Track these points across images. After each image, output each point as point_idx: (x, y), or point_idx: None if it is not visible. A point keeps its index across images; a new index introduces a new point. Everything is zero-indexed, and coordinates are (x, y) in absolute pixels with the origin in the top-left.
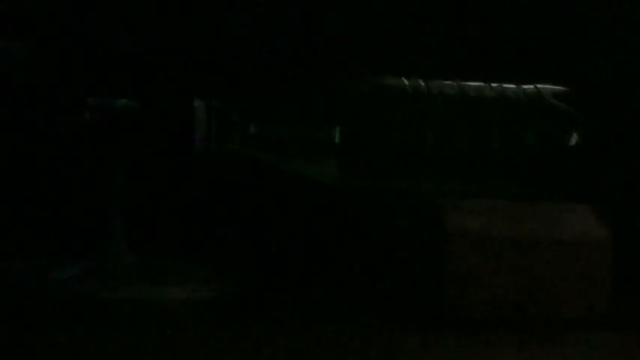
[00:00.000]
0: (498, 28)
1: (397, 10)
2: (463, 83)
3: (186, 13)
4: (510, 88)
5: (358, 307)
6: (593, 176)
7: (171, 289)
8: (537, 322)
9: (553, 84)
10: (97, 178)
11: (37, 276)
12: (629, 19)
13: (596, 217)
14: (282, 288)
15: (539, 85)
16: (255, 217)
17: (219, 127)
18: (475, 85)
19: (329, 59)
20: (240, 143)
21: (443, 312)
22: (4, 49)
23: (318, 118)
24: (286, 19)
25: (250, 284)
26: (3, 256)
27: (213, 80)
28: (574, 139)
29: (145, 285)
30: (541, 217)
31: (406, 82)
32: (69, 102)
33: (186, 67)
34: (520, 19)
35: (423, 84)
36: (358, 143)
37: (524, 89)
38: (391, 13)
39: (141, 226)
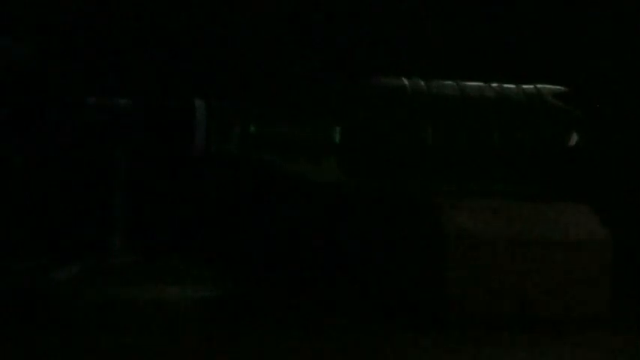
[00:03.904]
0: (498, 29)
1: (397, 9)
2: (463, 83)
3: (186, 13)
4: (510, 88)
5: (358, 307)
6: (593, 176)
7: (171, 289)
8: (537, 322)
9: (553, 84)
10: (96, 177)
11: (37, 276)
12: (629, 19)
13: (596, 217)
14: (281, 288)
15: (539, 85)
16: (255, 217)
17: (219, 127)
18: (475, 85)
19: (329, 59)
20: (240, 143)
21: (443, 312)
22: (4, 49)
23: (318, 117)
24: (286, 19)
25: (250, 284)
26: (3, 256)
27: (213, 80)
28: (574, 139)
29: (144, 285)
30: (541, 217)
31: (406, 82)
32: (69, 102)
33: (186, 67)
34: (520, 18)
35: (423, 84)
36: (358, 143)
37: (524, 89)
38: (391, 13)
39: (141, 226)
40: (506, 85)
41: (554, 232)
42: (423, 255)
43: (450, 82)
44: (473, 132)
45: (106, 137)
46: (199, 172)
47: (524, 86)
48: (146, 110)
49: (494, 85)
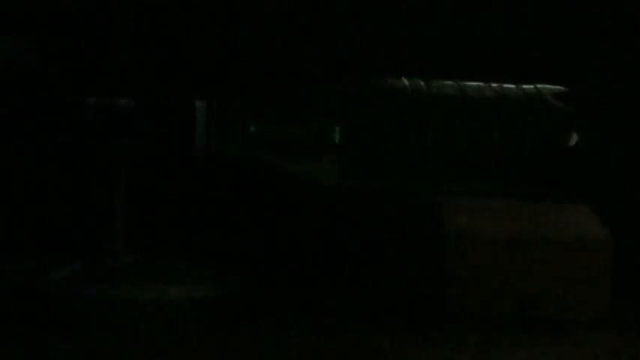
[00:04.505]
0: (498, 28)
1: (396, 9)
2: (463, 83)
3: (186, 13)
4: (510, 88)
5: (358, 307)
6: (593, 176)
7: (171, 289)
8: (537, 322)
9: (553, 84)
10: (97, 177)
11: (37, 276)
12: (629, 19)
13: (596, 217)
14: (281, 288)
15: (539, 85)
16: (255, 217)
17: (219, 127)
18: (475, 85)
19: (329, 59)
20: (239, 143)
21: (443, 312)
22: (5, 48)
23: (318, 117)
24: (286, 19)
25: (249, 284)
26: (3, 256)
27: (213, 80)
28: (574, 139)
29: (144, 285)
30: (541, 217)
31: (406, 82)
32: (69, 102)
33: (187, 67)
34: (520, 18)
35: (423, 84)
36: (358, 143)
37: (524, 89)
38: (390, 13)
39: (141, 226)
40: (506, 85)
41: (554, 232)
42: (423, 255)
43: (450, 82)
44: (473, 132)
45: (106, 137)
46: (199, 172)
47: (524, 86)
48: (146, 110)
49: (494, 85)
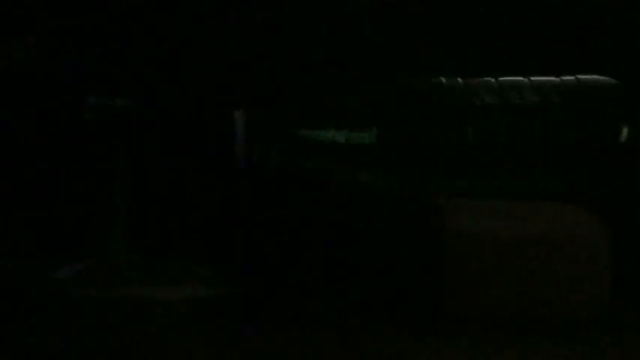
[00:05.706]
0: (550, 20)
1: (434, 9)
2: (503, 79)
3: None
4: (549, 80)
5: (358, 308)
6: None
7: (171, 289)
8: (537, 322)
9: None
10: (98, 178)
11: (37, 276)
12: None
13: (594, 217)
14: (281, 288)
15: (580, 77)
16: (253, 217)
17: (219, 128)
18: (484, 80)
19: (364, 63)
20: (239, 144)
21: (443, 311)
22: (4, 48)
23: (318, 117)
24: (315, 27)
25: (249, 284)
26: (3, 256)
27: (216, 82)
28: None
29: (145, 285)
30: (541, 217)
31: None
32: (70, 102)
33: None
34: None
35: (461, 81)
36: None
37: (564, 80)
38: (429, 13)
39: (141, 226)
40: (546, 78)
41: (554, 232)
42: (423, 255)
43: (488, 79)
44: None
45: (108, 137)
46: (199, 172)
47: (564, 77)
48: (147, 111)
49: (535, 78)
